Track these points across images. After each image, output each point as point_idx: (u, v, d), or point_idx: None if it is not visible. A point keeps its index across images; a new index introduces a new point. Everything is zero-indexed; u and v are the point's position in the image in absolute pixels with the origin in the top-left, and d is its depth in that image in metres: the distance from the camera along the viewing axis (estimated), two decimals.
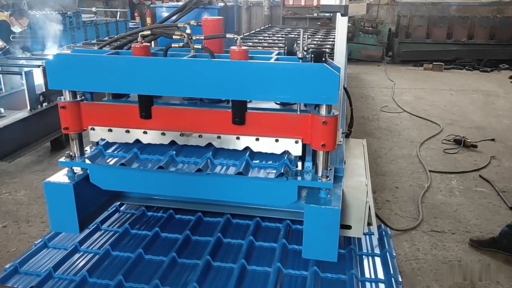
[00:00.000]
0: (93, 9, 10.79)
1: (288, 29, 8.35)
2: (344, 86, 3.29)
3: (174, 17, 3.67)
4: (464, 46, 11.16)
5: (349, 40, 11.29)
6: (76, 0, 13.02)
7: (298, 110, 2.54)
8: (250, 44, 5.78)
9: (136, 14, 14.03)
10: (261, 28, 8.34)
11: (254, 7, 14.09)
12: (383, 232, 3.10)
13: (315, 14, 13.50)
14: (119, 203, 3.36)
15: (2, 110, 4.41)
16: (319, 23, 12.67)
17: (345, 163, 2.90)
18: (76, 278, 2.58)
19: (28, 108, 4.41)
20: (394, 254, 2.86)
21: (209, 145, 2.65)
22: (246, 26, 13.62)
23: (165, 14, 4.58)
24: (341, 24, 2.93)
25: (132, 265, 2.69)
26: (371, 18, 12.23)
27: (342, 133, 3.16)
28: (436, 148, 5.02)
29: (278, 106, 2.86)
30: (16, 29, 6.42)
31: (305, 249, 2.48)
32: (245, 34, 6.96)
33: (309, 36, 6.68)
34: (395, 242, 3.05)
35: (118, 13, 12.32)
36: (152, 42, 3.31)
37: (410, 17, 11.53)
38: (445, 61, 10.70)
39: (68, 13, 8.29)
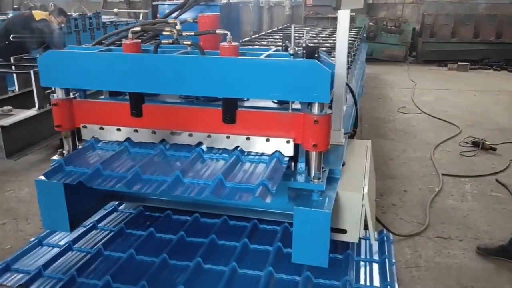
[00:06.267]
0: (115, 10, 10.94)
1: (307, 28, 8.21)
2: (347, 83, 3.16)
3: (174, 14, 3.63)
4: (492, 45, 10.77)
5: (371, 39, 11.07)
6: (100, 2, 13.29)
7: (290, 108, 2.44)
8: (265, 43, 5.67)
9: (157, 15, 14.19)
10: (278, 28, 8.24)
11: (276, 7, 14.00)
12: (385, 237, 2.96)
13: (337, 14, 13.30)
14: (117, 202, 3.34)
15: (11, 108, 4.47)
16: None
17: (344, 165, 2.78)
18: (65, 277, 2.55)
19: (37, 106, 4.45)
20: (394, 261, 2.72)
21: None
22: (267, 26, 13.55)
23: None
24: (342, 20, 2.82)
25: (122, 265, 2.64)
26: (394, 17, 11.96)
27: (345, 134, 3.04)
28: (452, 151, 4.82)
29: (274, 105, 2.77)
30: (55, 26, 6.48)
31: (294, 253, 2.39)
32: (260, 34, 6.86)
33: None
34: (397, 248, 2.91)
35: (141, 14, 12.49)
36: None
37: (435, 15, 11.20)
38: (471, 61, 10.34)
39: (88, 14, 8.41)
